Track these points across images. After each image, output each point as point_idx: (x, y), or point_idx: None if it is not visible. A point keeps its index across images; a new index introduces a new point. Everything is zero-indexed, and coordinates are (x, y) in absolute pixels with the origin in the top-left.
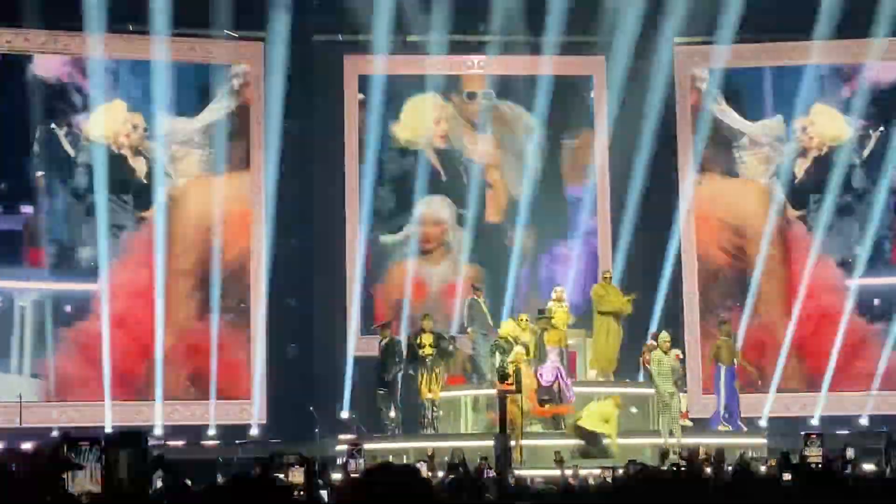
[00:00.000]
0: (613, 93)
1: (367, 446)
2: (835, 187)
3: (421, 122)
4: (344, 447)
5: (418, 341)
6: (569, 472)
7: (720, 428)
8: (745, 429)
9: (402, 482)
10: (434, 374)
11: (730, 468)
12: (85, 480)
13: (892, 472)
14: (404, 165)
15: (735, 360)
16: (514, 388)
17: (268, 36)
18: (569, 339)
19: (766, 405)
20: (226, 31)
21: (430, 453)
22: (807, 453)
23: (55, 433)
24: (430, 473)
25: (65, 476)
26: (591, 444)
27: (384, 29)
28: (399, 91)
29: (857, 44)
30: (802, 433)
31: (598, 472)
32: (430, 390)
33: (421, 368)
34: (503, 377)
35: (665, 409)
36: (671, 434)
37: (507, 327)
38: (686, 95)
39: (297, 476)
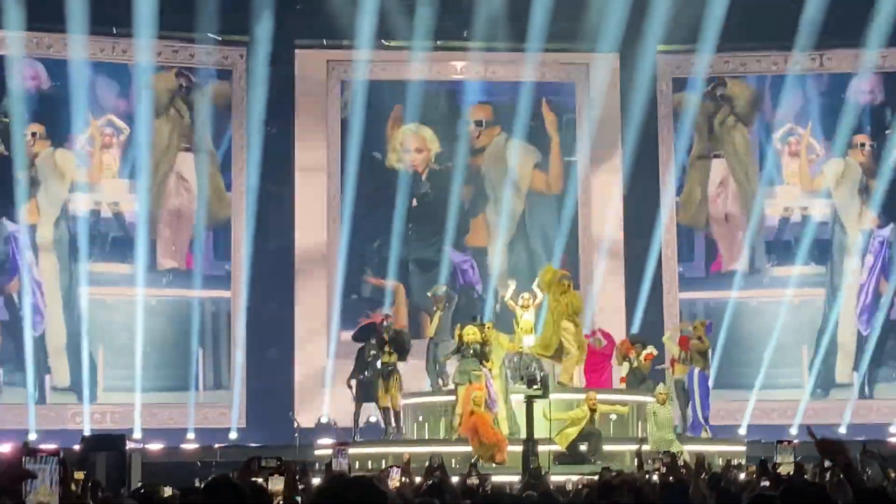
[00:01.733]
0: (595, 100)
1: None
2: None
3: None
4: (323, 452)
5: (386, 349)
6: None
7: (703, 435)
8: (710, 435)
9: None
10: (391, 381)
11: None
12: (43, 491)
13: (868, 480)
14: (384, 176)
15: (708, 363)
16: (540, 392)
17: (250, 39)
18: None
19: (747, 412)
20: (209, 34)
21: (406, 458)
22: (779, 460)
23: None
24: (404, 479)
25: (23, 485)
26: (577, 453)
27: (367, 35)
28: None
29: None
30: (776, 441)
31: (576, 478)
32: (389, 398)
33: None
34: (531, 381)
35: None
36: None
37: (471, 334)
38: (668, 104)
39: (276, 483)
